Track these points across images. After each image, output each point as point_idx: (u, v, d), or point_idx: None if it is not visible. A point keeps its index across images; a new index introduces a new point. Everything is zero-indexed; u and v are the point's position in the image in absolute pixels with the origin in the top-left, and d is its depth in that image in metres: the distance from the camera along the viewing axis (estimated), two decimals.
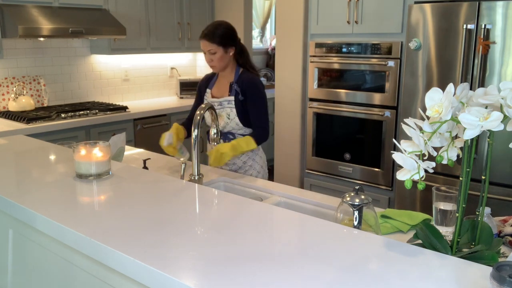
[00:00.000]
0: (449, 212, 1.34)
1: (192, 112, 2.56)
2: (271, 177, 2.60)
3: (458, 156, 1.05)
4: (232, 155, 2.16)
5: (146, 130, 4.07)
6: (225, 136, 2.40)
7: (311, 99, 3.93)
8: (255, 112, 2.32)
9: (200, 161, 1.87)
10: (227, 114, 2.36)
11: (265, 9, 6.79)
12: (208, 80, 2.51)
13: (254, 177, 2.26)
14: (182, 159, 2.26)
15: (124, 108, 4.00)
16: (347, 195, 1.31)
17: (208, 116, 2.38)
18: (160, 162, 2.35)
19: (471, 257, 1.06)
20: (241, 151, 2.21)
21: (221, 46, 2.29)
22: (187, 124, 2.46)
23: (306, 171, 4.09)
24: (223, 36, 2.29)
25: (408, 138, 1.04)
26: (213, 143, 2.08)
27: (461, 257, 1.05)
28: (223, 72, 2.41)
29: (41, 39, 3.85)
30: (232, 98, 2.34)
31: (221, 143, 2.20)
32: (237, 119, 2.34)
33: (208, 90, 2.48)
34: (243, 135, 2.35)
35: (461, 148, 1.06)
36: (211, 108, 1.92)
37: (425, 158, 1.02)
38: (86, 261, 1.25)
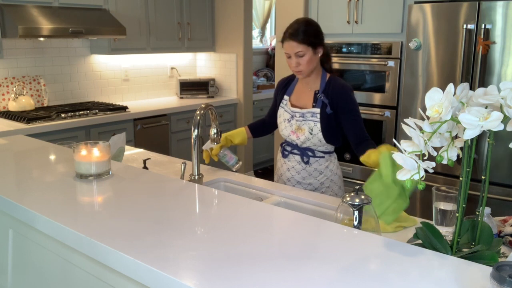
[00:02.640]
0: (449, 212, 1.34)
1: (266, 117, 2.31)
2: (271, 177, 2.57)
3: (458, 156, 1.05)
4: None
5: (146, 130, 4.07)
6: (303, 152, 2.10)
7: None
8: (355, 124, 2.01)
9: (200, 161, 1.87)
10: (310, 129, 2.04)
11: (265, 9, 6.79)
12: (287, 85, 2.18)
13: (254, 177, 2.26)
14: (233, 168, 2.16)
15: (124, 108, 4.00)
16: (347, 195, 1.31)
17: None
18: (160, 162, 2.35)
19: (471, 257, 1.06)
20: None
21: (311, 46, 1.96)
22: (256, 126, 2.29)
23: None
24: (312, 35, 1.97)
25: (408, 138, 1.04)
26: (213, 143, 2.03)
27: (461, 257, 1.05)
28: (307, 78, 2.07)
29: (41, 39, 3.85)
30: (318, 110, 2.02)
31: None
32: (320, 135, 2.03)
33: (286, 97, 2.15)
34: (324, 153, 2.09)
35: (461, 148, 1.06)
36: (211, 108, 1.91)
37: (425, 158, 1.02)
38: (86, 261, 1.25)
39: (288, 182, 2.16)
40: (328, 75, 2.08)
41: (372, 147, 1.86)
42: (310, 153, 2.08)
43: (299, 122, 2.07)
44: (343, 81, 2.09)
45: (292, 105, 2.12)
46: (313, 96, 2.06)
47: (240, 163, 2.19)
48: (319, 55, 2.02)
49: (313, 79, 2.08)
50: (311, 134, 2.04)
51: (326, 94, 2.03)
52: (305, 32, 1.96)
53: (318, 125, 2.03)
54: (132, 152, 2.59)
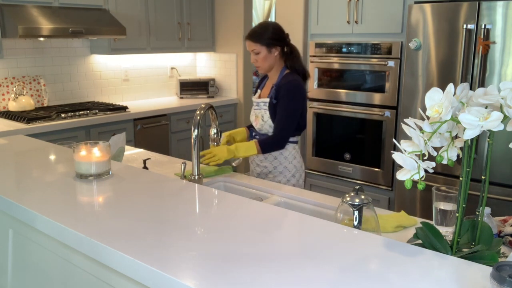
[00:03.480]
0: (449, 212, 1.34)
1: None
2: None
3: (458, 156, 1.05)
4: (227, 158, 2.12)
5: (146, 130, 4.07)
6: (261, 137, 2.34)
7: (311, 99, 3.93)
8: (279, 115, 2.24)
9: (200, 161, 1.87)
10: (262, 116, 2.31)
11: (265, 9, 6.79)
12: (262, 81, 2.47)
13: (254, 177, 2.26)
14: (233, 163, 2.25)
15: (124, 108, 4.00)
16: (347, 195, 1.31)
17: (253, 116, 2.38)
18: (160, 162, 2.35)
19: (471, 257, 1.06)
20: (238, 156, 2.16)
21: (265, 45, 2.24)
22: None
23: (306, 171, 4.09)
24: (267, 36, 2.24)
25: (408, 138, 1.04)
26: (213, 143, 2.07)
27: (461, 257, 1.05)
28: (270, 73, 2.36)
29: (41, 39, 3.85)
30: (267, 100, 2.30)
31: (220, 146, 2.13)
32: (270, 122, 2.28)
33: (258, 91, 2.44)
34: None
35: (461, 148, 1.06)
36: (211, 108, 1.92)
37: (425, 158, 1.02)
38: (86, 261, 1.25)
39: (251, 164, 2.42)
40: (286, 71, 2.30)
41: (256, 142, 2.19)
42: None
43: (256, 111, 2.36)
44: (295, 78, 2.28)
45: (259, 97, 2.40)
46: (270, 89, 2.33)
47: (241, 159, 2.25)
48: (275, 54, 2.28)
49: (274, 75, 2.34)
50: (263, 121, 2.31)
51: (277, 87, 2.28)
52: (261, 34, 2.25)
53: (268, 113, 2.29)
54: (132, 152, 2.59)
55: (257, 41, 2.25)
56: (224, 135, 2.34)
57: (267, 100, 2.29)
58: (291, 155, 2.32)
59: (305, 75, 2.34)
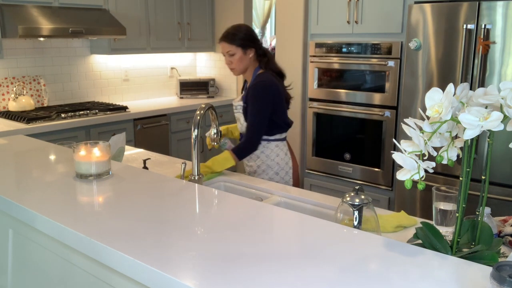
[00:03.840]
0: (449, 212, 1.34)
1: None
2: None
3: (458, 156, 1.05)
4: (209, 172, 2.11)
5: (146, 130, 4.07)
6: (242, 137, 2.38)
7: (311, 99, 3.93)
8: (248, 118, 2.25)
9: (200, 161, 1.87)
10: (239, 119, 2.34)
11: (265, 9, 6.79)
12: (245, 83, 2.47)
13: (254, 177, 2.26)
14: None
15: (124, 108, 4.00)
16: (347, 195, 1.31)
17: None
18: (160, 162, 2.35)
19: (471, 257, 1.06)
20: (216, 171, 2.13)
21: (240, 47, 2.25)
22: None
23: (306, 171, 4.09)
24: (242, 38, 2.25)
25: (408, 138, 1.04)
26: (213, 143, 2.08)
27: (461, 257, 1.05)
28: (246, 75, 2.36)
29: (41, 39, 3.85)
30: (241, 103, 2.31)
31: (202, 163, 2.09)
32: (246, 124, 2.29)
33: (243, 92, 2.44)
34: None
35: (461, 148, 1.06)
36: (211, 108, 1.92)
37: (425, 158, 1.02)
38: (86, 261, 1.25)
39: (243, 163, 2.43)
40: (259, 71, 2.30)
41: (229, 152, 2.18)
42: None
43: (236, 114, 2.39)
44: (264, 78, 2.25)
45: (239, 100, 2.40)
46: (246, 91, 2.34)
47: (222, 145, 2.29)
48: (250, 56, 2.28)
49: (249, 76, 2.35)
50: (241, 124, 2.34)
51: (247, 90, 2.29)
52: (235, 35, 2.25)
53: (243, 116, 2.31)
54: (132, 152, 2.59)
55: (232, 42, 2.25)
56: (222, 128, 2.37)
57: (241, 103, 2.31)
58: (273, 153, 2.32)
59: (280, 75, 2.34)
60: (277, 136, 2.33)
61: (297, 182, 2.43)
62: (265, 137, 2.31)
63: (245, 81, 2.46)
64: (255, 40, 2.30)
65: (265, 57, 2.32)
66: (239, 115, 2.34)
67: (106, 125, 3.76)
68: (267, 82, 2.24)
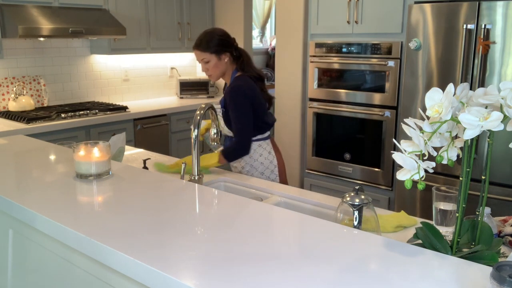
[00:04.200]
0: (449, 212, 1.34)
1: None
2: None
3: (458, 156, 1.05)
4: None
5: (146, 130, 4.07)
6: (226, 139, 2.39)
7: (311, 99, 3.93)
8: (232, 123, 2.23)
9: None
10: (221, 122, 2.33)
11: (265, 9, 6.79)
12: (226, 86, 2.47)
13: (254, 177, 2.26)
14: (215, 151, 2.30)
15: (124, 108, 4.00)
16: (347, 195, 1.31)
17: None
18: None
19: (471, 257, 1.06)
20: (202, 164, 2.10)
21: (214, 53, 2.23)
22: None
23: (306, 171, 4.09)
24: (215, 44, 2.24)
25: (408, 138, 1.04)
26: (213, 143, 2.08)
27: (461, 257, 1.05)
28: (225, 79, 2.35)
29: (41, 39, 3.85)
30: (219, 106, 2.31)
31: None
32: (226, 128, 2.31)
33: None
34: None
35: (461, 148, 1.06)
36: (211, 108, 1.92)
37: (425, 158, 1.02)
38: (86, 261, 1.25)
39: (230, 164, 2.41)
40: (237, 74, 2.28)
41: (218, 152, 2.19)
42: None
43: (219, 116, 2.34)
44: (239, 82, 2.24)
45: (220, 103, 2.39)
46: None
47: (222, 148, 2.28)
48: (225, 60, 2.26)
49: (227, 80, 2.34)
50: (221, 127, 2.33)
51: (225, 94, 2.28)
52: (207, 42, 2.23)
53: (222, 119, 2.31)
54: (132, 152, 2.59)
55: (205, 50, 2.23)
56: (207, 122, 2.38)
57: (219, 106, 2.31)
58: (256, 153, 2.31)
59: (259, 77, 2.32)
60: (259, 136, 2.32)
61: (285, 179, 2.41)
62: None
63: (225, 84, 2.45)
64: (228, 44, 2.28)
65: (240, 59, 2.30)
66: (220, 118, 2.32)
67: (106, 125, 3.76)
68: (243, 86, 2.23)
